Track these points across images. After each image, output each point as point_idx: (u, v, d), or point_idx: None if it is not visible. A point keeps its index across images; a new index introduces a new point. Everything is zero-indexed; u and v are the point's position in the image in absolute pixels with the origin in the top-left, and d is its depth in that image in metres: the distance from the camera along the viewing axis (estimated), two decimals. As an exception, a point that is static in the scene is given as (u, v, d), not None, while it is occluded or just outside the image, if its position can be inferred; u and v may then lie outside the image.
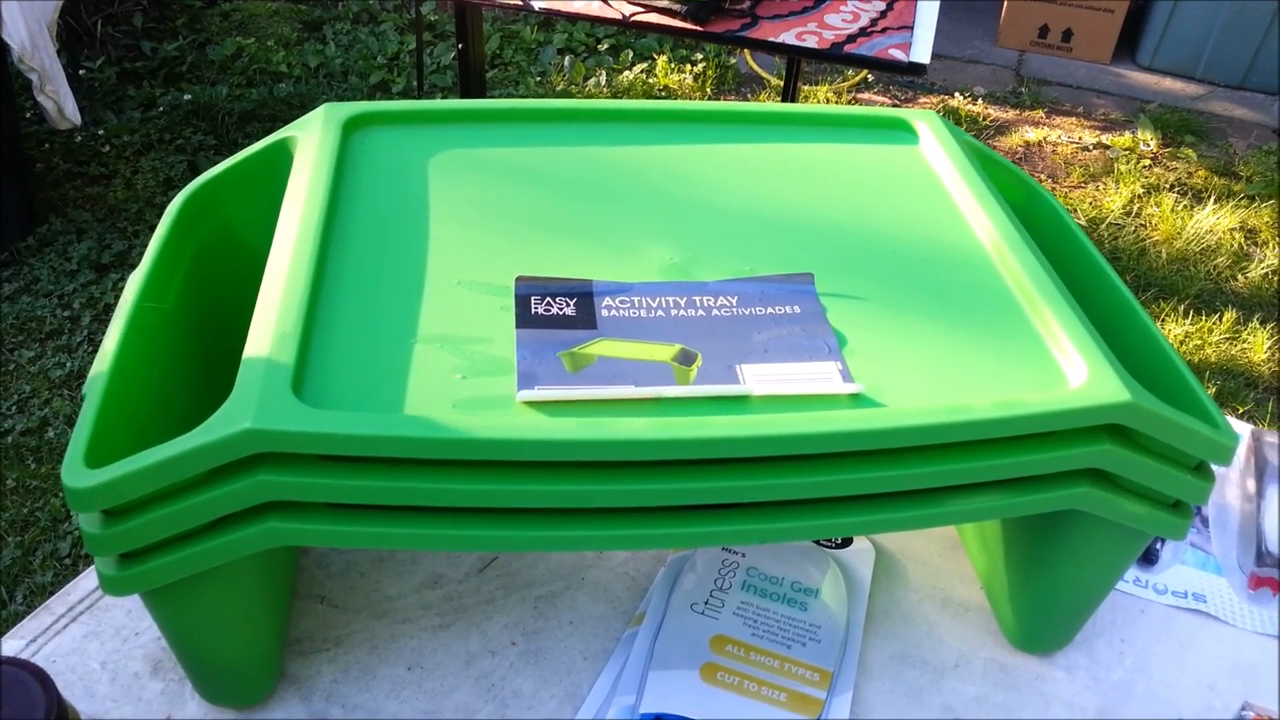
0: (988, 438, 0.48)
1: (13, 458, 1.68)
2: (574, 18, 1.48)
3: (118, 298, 2.00)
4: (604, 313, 0.53)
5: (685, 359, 0.50)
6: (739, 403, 0.48)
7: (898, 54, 1.38)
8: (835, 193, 0.64)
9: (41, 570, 1.50)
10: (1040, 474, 0.50)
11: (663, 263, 0.57)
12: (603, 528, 0.49)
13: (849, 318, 0.54)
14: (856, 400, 0.49)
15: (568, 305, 0.53)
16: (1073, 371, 0.50)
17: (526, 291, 0.53)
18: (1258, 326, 2.11)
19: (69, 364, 1.85)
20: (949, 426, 0.47)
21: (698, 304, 0.54)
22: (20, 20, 1.91)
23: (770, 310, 0.54)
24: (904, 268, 0.58)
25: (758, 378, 0.49)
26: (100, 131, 2.44)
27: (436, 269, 0.55)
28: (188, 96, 2.58)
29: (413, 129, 0.65)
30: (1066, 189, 2.54)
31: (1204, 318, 2.13)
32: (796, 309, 0.54)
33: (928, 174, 0.66)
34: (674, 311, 0.53)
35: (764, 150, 0.67)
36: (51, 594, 0.65)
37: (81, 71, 2.60)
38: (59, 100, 2.07)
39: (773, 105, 0.70)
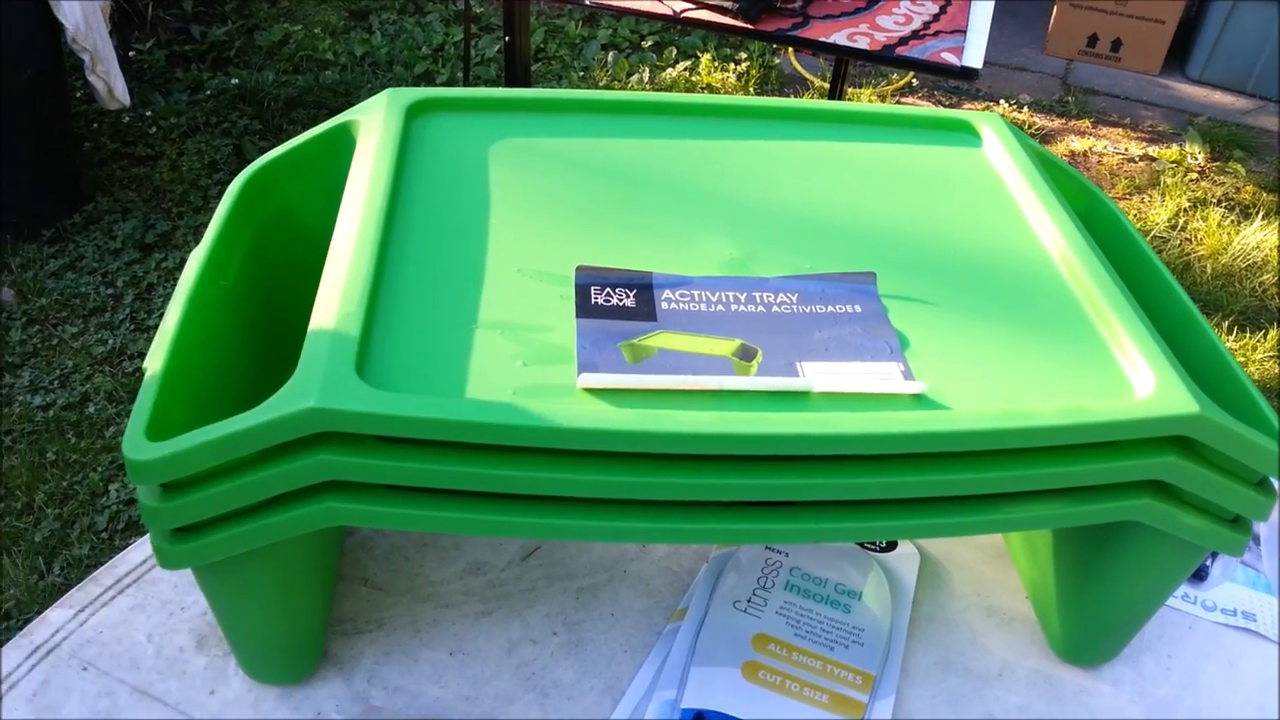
0: (1052, 445, 0.47)
1: (53, 431, 1.70)
2: (624, 13, 1.48)
3: (160, 277, 2.02)
4: (664, 305, 0.52)
5: (746, 354, 0.50)
6: (799, 400, 0.48)
7: (950, 58, 1.37)
8: (896, 193, 0.63)
9: (79, 543, 1.52)
10: (1102, 484, 0.50)
11: (721, 257, 0.57)
12: (655, 520, 0.49)
13: (911, 319, 0.54)
14: (919, 401, 0.48)
15: (627, 297, 0.52)
16: (1139, 381, 0.50)
17: (586, 281, 0.53)
18: (1303, 346, 2.07)
19: (111, 341, 1.87)
20: (1014, 432, 0.46)
21: (758, 300, 0.53)
22: (75, 1, 1.93)
23: (831, 309, 0.53)
24: (967, 270, 0.57)
25: (819, 375, 0.49)
26: (148, 113, 2.46)
27: (496, 256, 0.55)
28: (235, 81, 2.60)
29: (474, 116, 0.65)
30: (1112, 200, 2.51)
31: (1248, 335, 2.10)
32: (858, 308, 0.53)
33: (991, 177, 0.65)
34: (734, 307, 0.53)
35: (824, 148, 0.66)
36: (88, 566, 0.66)
37: (131, 53, 2.62)
38: (109, 81, 2.09)
39: (833, 103, 0.69)
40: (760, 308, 0.53)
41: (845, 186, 0.63)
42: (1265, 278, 2.27)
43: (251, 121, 2.48)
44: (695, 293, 0.53)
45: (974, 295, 0.55)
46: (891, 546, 0.69)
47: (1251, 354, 2.06)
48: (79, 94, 2.42)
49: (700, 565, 0.68)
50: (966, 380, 0.50)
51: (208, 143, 2.39)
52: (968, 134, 0.68)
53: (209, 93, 2.56)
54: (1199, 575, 0.70)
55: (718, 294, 0.53)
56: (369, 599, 0.64)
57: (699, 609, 0.64)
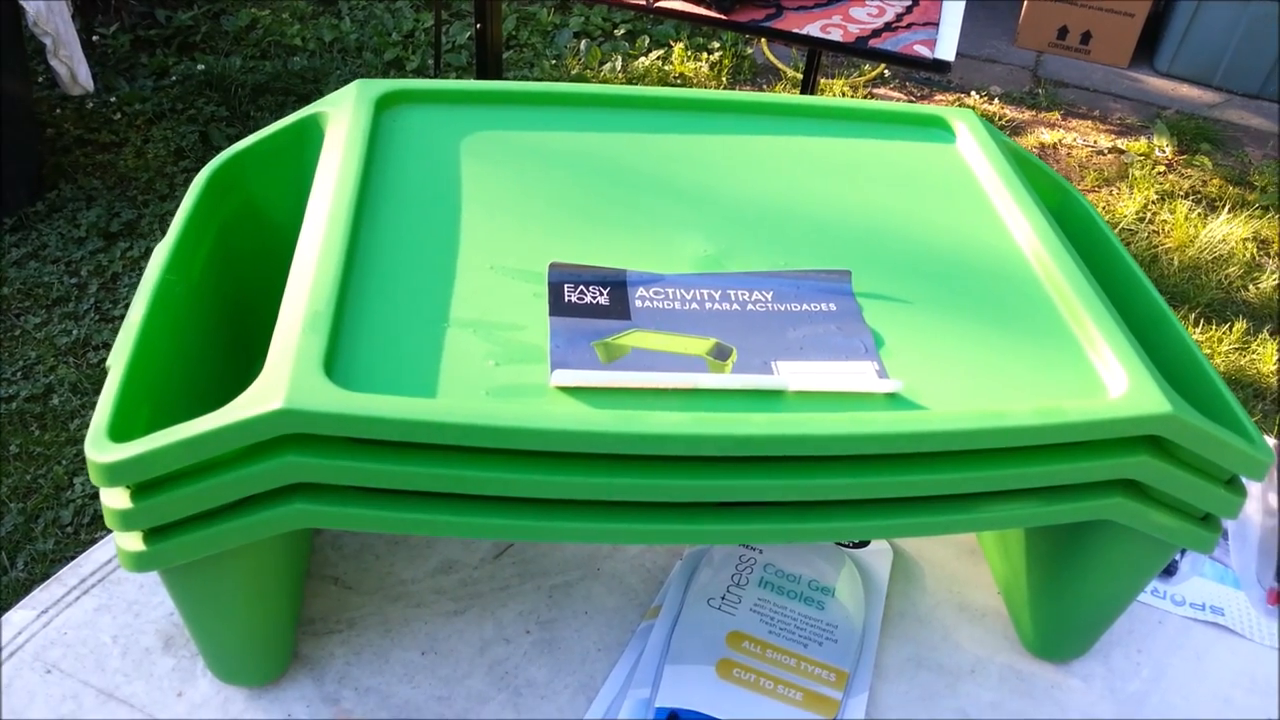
0: (1026, 445, 0.47)
1: (16, 424, 1.67)
2: (596, 1, 1.47)
3: (125, 266, 1.99)
4: (637, 303, 0.52)
5: (720, 353, 0.49)
6: (774, 400, 0.47)
7: (923, 50, 1.37)
8: (871, 189, 0.63)
9: (43, 538, 1.50)
10: (1075, 483, 0.50)
11: (696, 254, 0.56)
12: (629, 521, 0.48)
13: (885, 317, 0.53)
14: (894, 401, 0.48)
15: (601, 294, 0.52)
16: (1112, 381, 0.50)
17: (559, 279, 0.53)
18: (1267, 337, 2.10)
19: (75, 331, 1.85)
20: (988, 432, 0.46)
21: (732, 298, 0.53)
22: (36, -17, 1.90)
23: (806, 307, 0.53)
24: (941, 268, 0.57)
25: (793, 373, 0.48)
26: (112, 99, 2.42)
27: (468, 252, 0.54)
28: (201, 67, 2.56)
29: (445, 108, 0.64)
30: (1081, 192, 2.53)
31: (1214, 327, 2.13)
32: (832, 306, 0.53)
33: (965, 173, 0.65)
34: (708, 305, 0.52)
35: (799, 143, 0.66)
36: (53, 561, 0.65)
37: (95, 38, 2.58)
38: (72, 65, 2.06)
39: (809, 98, 0.69)
40: (735, 306, 0.53)
41: (820, 182, 0.63)
42: (1231, 270, 2.29)
43: (218, 108, 2.44)
44: (669, 290, 0.53)
45: (948, 293, 0.55)
46: (865, 543, 0.69)
47: (1218, 346, 2.08)
48: (41, 79, 2.37)
49: (674, 562, 0.67)
50: (940, 379, 0.50)
51: (173, 129, 2.36)
52: (942, 129, 0.68)
53: (174, 78, 2.52)
54: (1168, 570, 0.71)
55: (692, 292, 0.53)
56: (339, 598, 0.63)
57: (673, 606, 0.64)
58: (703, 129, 0.66)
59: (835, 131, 0.67)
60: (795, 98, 0.69)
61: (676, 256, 0.56)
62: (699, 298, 0.53)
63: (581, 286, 0.52)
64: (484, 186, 0.59)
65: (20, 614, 0.62)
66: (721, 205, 0.60)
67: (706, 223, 0.59)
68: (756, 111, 0.68)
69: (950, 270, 0.57)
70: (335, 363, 0.46)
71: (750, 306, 0.53)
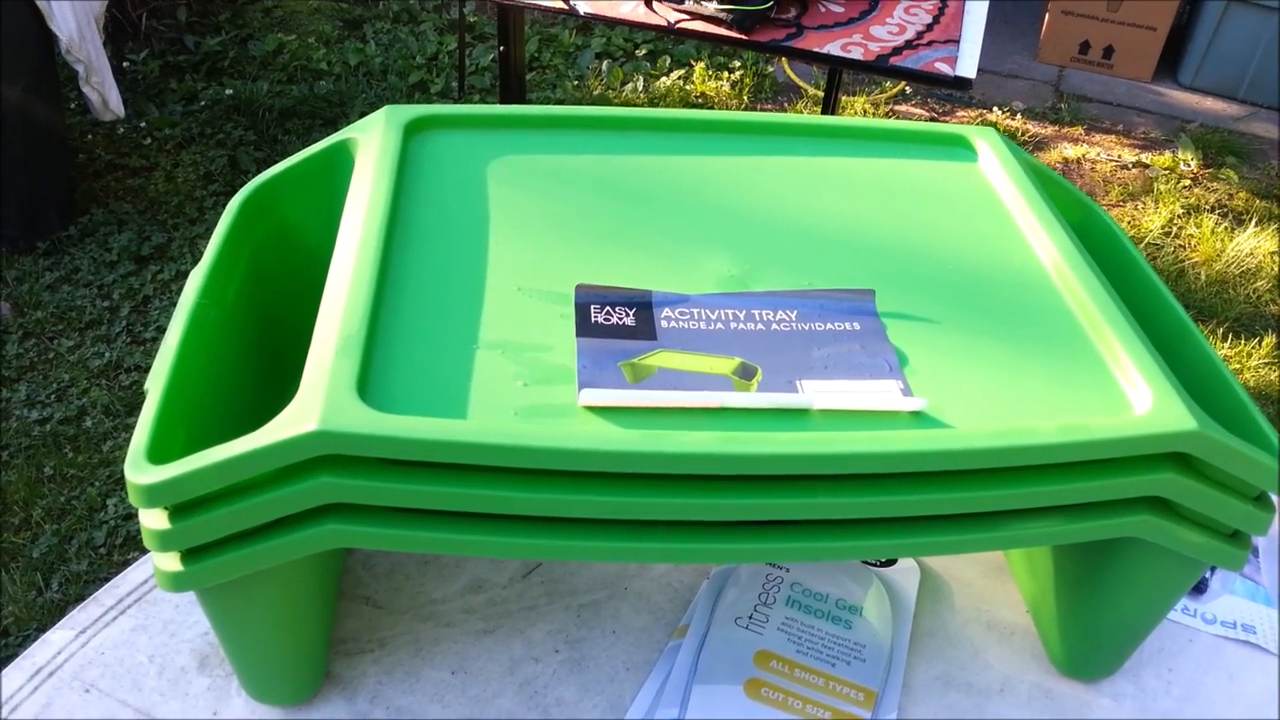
0: (1051, 462, 0.47)
1: (50, 445, 1.69)
2: (617, 23, 1.48)
3: (156, 289, 2.02)
4: (663, 324, 0.53)
5: (746, 373, 0.50)
6: (800, 419, 0.48)
7: (944, 68, 1.37)
8: (893, 208, 0.63)
9: (77, 559, 1.52)
10: (1101, 500, 0.50)
11: (720, 274, 0.57)
12: (657, 540, 0.49)
13: (909, 336, 0.54)
14: (918, 419, 0.48)
15: (627, 315, 0.53)
16: (1137, 397, 0.50)
17: (586, 300, 0.53)
18: (1297, 351, 2.08)
19: (107, 354, 1.87)
20: (1014, 450, 0.46)
21: (757, 318, 0.54)
22: (69, 12, 1.93)
23: (830, 326, 0.53)
24: (964, 287, 0.57)
25: (818, 392, 0.49)
26: (142, 124, 2.46)
27: (496, 274, 0.55)
28: (229, 91, 2.60)
29: (473, 133, 0.65)
30: (1105, 207, 2.52)
31: (1244, 341, 2.11)
32: (856, 325, 0.54)
33: (988, 192, 0.65)
34: (733, 325, 0.53)
35: (821, 163, 0.67)
36: (87, 582, 0.66)
37: (126, 64, 2.62)
38: (103, 92, 2.09)
39: (829, 118, 0.69)
40: (760, 325, 0.53)
41: (842, 202, 0.63)
42: (1259, 284, 2.27)
43: (246, 132, 2.48)
44: (695, 311, 0.54)
45: (971, 311, 0.55)
46: (891, 561, 0.70)
47: (1247, 361, 2.06)
48: (73, 105, 2.42)
49: (701, 581, 0.68)
50: (965, 397, 0.50)
51: (202, 153, 2.39)
52: (963, 148, 0.69)
53: (203, 103, 2.56)
54: (1198, 588, 0.70)
55: (717, 312, 0.54)
56: (371, 618, 0.64)
57: (700, 626, 0.64)
58: (725, 150, 0.67)
59: (857, 151, 0.68)
60: (816, 118, 0.70)
61: (701, 277, 0.56)
62: (724, 318, 0.53)
63: (608, 307, 0.53)
64: (511, 209, 0.60)
65: (59, 634, 0.63)
66: (745, 225, 0.61)
67: (730, 243, 0.59)
68: (778, 132, 0.69)
69: (973, 288, 0.57)
70: (368, 385, 0.47)
71: (775, 326, 0.53)
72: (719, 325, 0.53)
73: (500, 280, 0.55)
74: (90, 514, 1.59)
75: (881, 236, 0.61)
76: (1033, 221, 0.61)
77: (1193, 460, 0.50)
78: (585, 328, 0.52)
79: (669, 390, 0.48)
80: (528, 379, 0.49)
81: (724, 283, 0.56)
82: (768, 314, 0.54)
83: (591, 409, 0.47)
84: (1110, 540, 0.54)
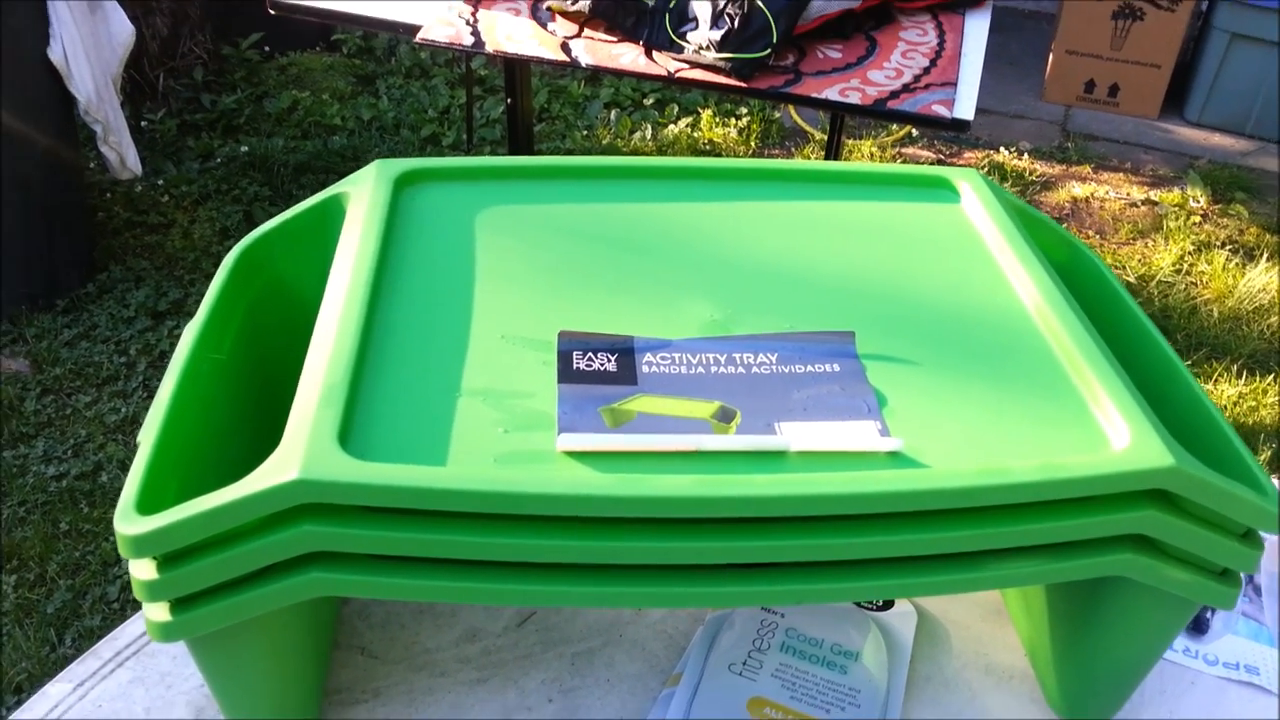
0: (1028, 501, 0.48)
1: (66, 501, 1.71)
2: (619, 74, 1.50)
3: (173, 344, 2.05)
4: (644, 369, 0.53)
5: (724, 416, 0.50)
6: (776, 461, 0.48)
7: (941, 110, 1.38)
8: (876, 251, 0.64)
9: (91, 614, 1.52)
10: (1082, 539, 0.50)
11: (703, 319, 0.58)
12: (641, 584, 0.49)
13: (889, 377, 0.54)
14: (896, 460, 0.48)
15: (609, 361, 0.53)
16: (1115, 435, 0.50)
17: (568, 347, 0.54)
18: (1314, 386, 2.06)
19: (124, 409, 1.89)
20: (989, 489, 0.46)
21: (738, 361, 0.54)
22: (88, 74, 1.98)
23: (810, 368, 0.54)
24: (945, 327, 0.58)
25: (796, 434, 0.49)
26: (160, 181, 2.51)
27: (481, 323, 0.56)
28: (245, 148, 2.65)
29: (462, 185, 0.67)
30: (1115, 245, 2.52)
31: (1258, 378, 2.09)
32: (836, 367, 0.54)
33: (970, 233, 0.66)
34: (714, 369, 0.54)
35: (805, 208, 0.67)
36: (100, 638, 0.66)
37: (144, 123, 2.68)
38: (121, 151, 2.14)
39: (813, 163, 0.70)
40: (740, 369, 0.54)
41: (825, 245, 0.64)
42: (1272, 320, 2.26)
43: (261, 188, 2.52)
44: (676, 355, 0.54)
45: (951, 352, 0.56)
46: (888, 605, 0.69)
47: (1262, 397, 2.05)
48: (92, 165, 2.47)
49: (696, 628, 0.67)
50: (943, 438, 0.50)
51: (219, 209, 2.43)
52: (946, 190, 0.70)
53: (219, 160, 2.61)
54: (1200, 628, 0.69)
55: (698, 356, 0.54)
56: (365, 667, 0.64)
57: (694, 673, 0.64)
58: (710, 196, 0.68)
59: (841, 195, 0.68)
60: (798, 163, 0.71)
61: (684, 322, 0.57)
62: (705, 362, 0.54)
63: (590, 354, 0.54)
64: (498, 259, 0.61)
65: (57, 687, 0.63)
66: (728, 271, 0.62)
67: (714, 288, 0.60)
68: (762, 178, 0.70)
69: (954, 329, 0.57)
70: (350, 434, 0.48)
71: (755, 369, 0.54)
72: (700, 369, 0.53)
73: (485, 329, 0.55)
74: (104, 569, 1.60)
75: (863, 279, 0.62)
76: (1014, 261, 0.62)
77: (1173, 497, 0.50)
78: (567, 374, 0.52)
79: (647, 434, 0.48)
80: (508, 426, 0.49)
81: (707, 327, 0.57)
82: (749, 357, 0.54)
83: (570, 454, 0.48)
84: (1100, 580, 0.54)
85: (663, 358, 0.54)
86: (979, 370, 0.55)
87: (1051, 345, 0.56)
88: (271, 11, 1.58)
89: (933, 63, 1.50)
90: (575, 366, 0.53)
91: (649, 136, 2.85)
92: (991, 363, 0.55)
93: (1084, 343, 0.55)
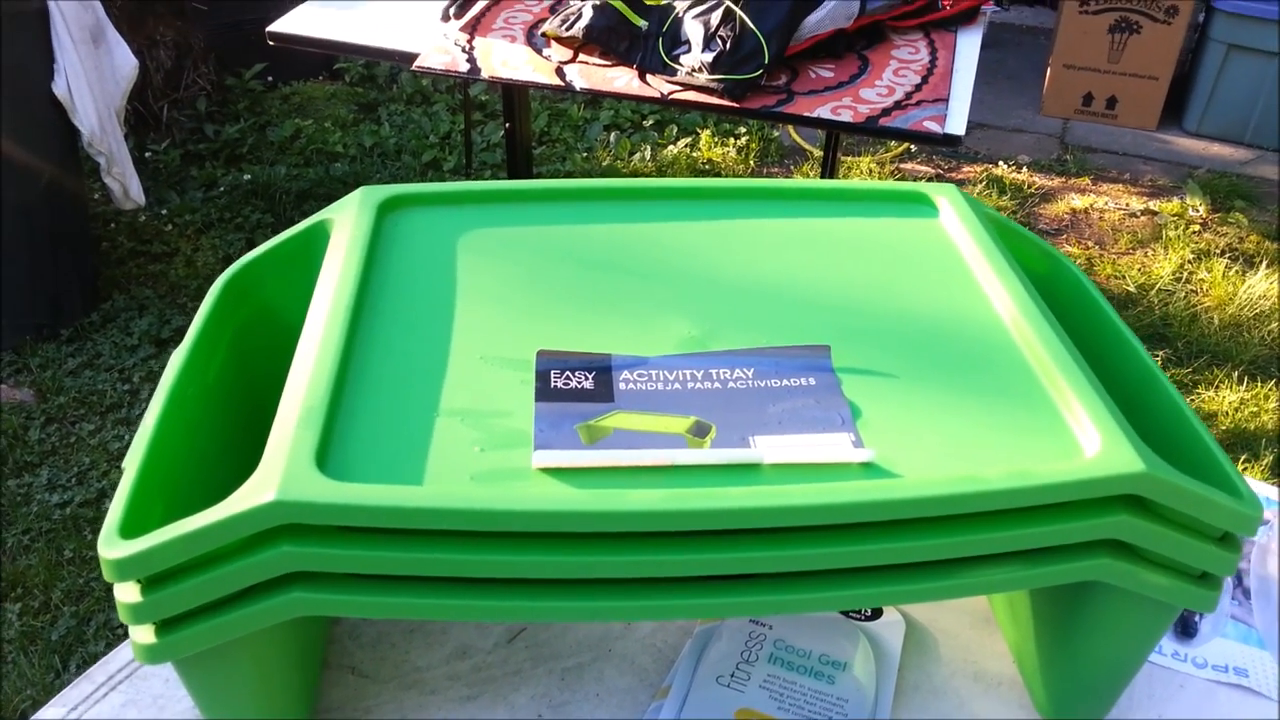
0: (1001, 508, 0.48)
1: (70, 528, 1.72)
2: (614, 96, 1.52)
3: (175, 371, 2.06)
4: (621, 386, 0.54)
5: (699, 431, 0.51)
6: (749, 474, 0.49)
7: (933, 126, 1.39)
8: (854, 266, 0.65)
9: (95, 640, 1.53)
10: (1057, 545, 0.50)
11: (681, 336, 0.58)
12: (622, 598, 0.50)
13: (864, 389, 0.55)
14: (869, 470, 0.49)
15: (586, 379, 0.54)
16: (1087, 441, 0.50)
17: (546, 366, 0.55)
18: (1317, 393, 2.06)
19: (127, 436, 1.90)
20: (961, 497, 0.47)
21: (714, 376, 0.55)
22: (91, 107, 2.01)
23: (785, 382, 0.54)
24: (920, 340, 0.58)
25: (769, 447, 0.50)
26: (164, 211, 2.53)
27: (461, 344, 0.57)
28: (247, 176, 2.67)
29: (444, 210, 0.68)
30: (1115, 255, 2.52)
31: (1259, 384, 2.09)
32: (811, 381, 0.55)
33: (947, 247, 0.66)
34: (690, 384, 0.54)
35: (784, 225, 0.68)
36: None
37: (148, 154, 2.71)
38: (125, 182, 2.16)
39: (792, 181, 0.71)
40: (716, 384, 0.54)
41: (803, 261, 0.65)
42: (1273, 326, 2.26)
43: (264, 215, 2.54)
44: (653, 372, 0.55)
45: (927, 364, 0.56)
46: (877, 615, 0.69)
47: (1264, 403, 2.04)
48: (96, 195, 2.49)
49: (685, 641, 0.68)
50: (917, 448, 0.51)
51: (221, 237, 2.45)
52: (924, 206, 0.70)
53: (223, 189, 2.63)
54: (1188, 631, 0.69)
55: (675, 373, 0.55)
56: (355, 687, 0.65)
57: (682, 686, 0.64)
58: (689, 215, 0.69)
59: (821, 212, 0.69)
60: (776, 181, 0.72)
61: (662, 339, 0.58)
62: (681, 378, 0.54)
63: (567, 372, 0.54)
64: (478, 281, 0.62)
65: (50, 711, 0.64)
66: (707, 288, 0.62)
67: (692, 305, 0.61)
68: (741, 196, 0.70)
69: (929, 341, 0.58)
70: (328, 455, 0.48)
71: (731, 384, 0.54)
72: (676, 385, 0.54)
73: (464, 350, 0.56)
74: (108, 595, 1.60)
75: (841, 294, 0.62)
76: (990, 274, 0.62)
77: (1147, 502, 0.50)
78: (545, 393, 0.53)
79: (622, 450, 0.49)
80: (485, 444, 0.50)
81: (684, 344, 0.58)
82: (725, 373, 0.55)
83: (546, 471, 0.48)
84: (1083, 585, 0.54)
85: (640, 375, 0.55)
86: (954, 381, 0.55)
87: (1026, 355, 0.57)
88: (271, 43, 1.60)
89: (924, 79, 1.51)
90: (553, 385, 0.54)
91: (648, 157, 2.87)
92: (966, 373, 0.56)
93: (1057, 352, 0.55)
